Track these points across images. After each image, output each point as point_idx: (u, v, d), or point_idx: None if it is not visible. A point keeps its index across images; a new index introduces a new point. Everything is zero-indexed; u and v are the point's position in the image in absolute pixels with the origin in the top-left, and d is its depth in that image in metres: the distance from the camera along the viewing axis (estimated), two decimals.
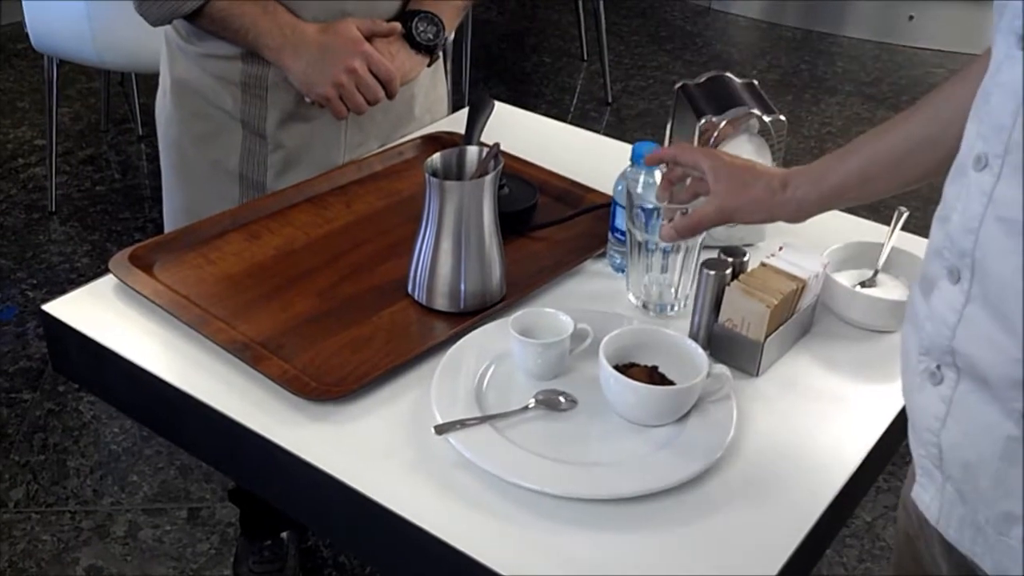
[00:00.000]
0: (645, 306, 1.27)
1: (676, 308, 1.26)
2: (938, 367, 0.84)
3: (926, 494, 0.91)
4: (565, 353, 1.15)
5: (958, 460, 0.85)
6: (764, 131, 1.34)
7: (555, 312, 1.18)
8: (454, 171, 1.25)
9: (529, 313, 1.18)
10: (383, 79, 1.49)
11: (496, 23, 4.90)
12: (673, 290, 1.25)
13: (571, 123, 1.84)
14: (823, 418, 1.15)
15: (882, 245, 1.32)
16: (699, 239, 1.22)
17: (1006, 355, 0.78)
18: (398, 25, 1.53)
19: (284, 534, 2.07)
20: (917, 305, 0.89)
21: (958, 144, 0.97)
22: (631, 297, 1.28)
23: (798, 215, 1.15)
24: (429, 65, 1.60)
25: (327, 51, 1.46)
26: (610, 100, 4.18)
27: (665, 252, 1.22)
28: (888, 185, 1.11)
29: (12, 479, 2.34)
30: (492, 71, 4.44)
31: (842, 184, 1.11)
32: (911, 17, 4.74)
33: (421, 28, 1.54)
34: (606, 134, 1.81)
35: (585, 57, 4.56)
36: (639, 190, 1.23)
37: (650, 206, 1.21)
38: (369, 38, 1.49)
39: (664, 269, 1.23)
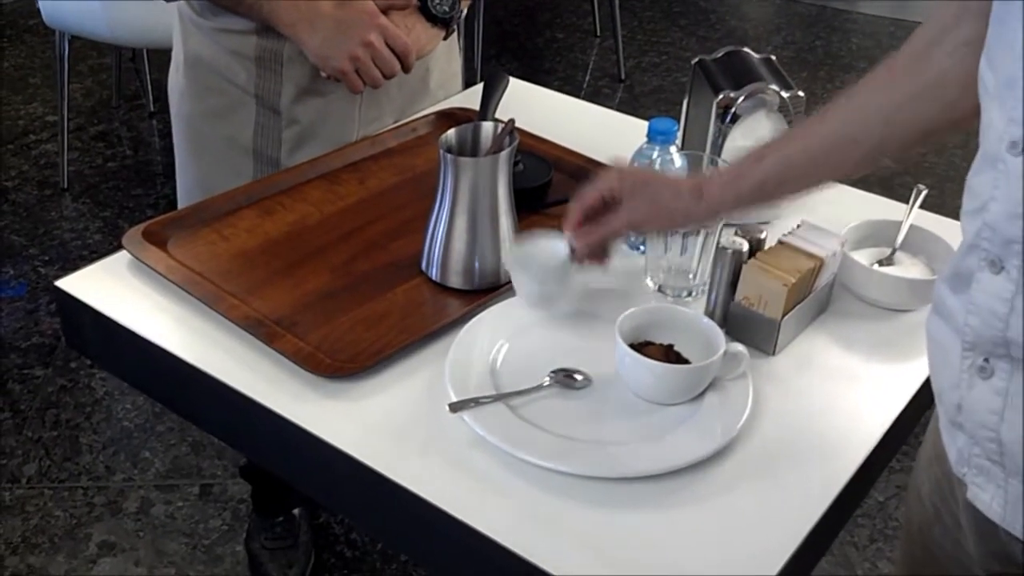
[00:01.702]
0: (662, 290, 1.26)
1: (694, 294, 1.25)
2: (987, 360, 0.83)
3: (985, 494, 0.88)
4: (565, 275, 1.15)
5: (1021, 454, 0.83)
6: (782, 107, 1.33)
7: (549, 237, 1.17)
8: (469, 147, 1.24)
9: (523, 241, 1.19)
10: (399, 52, 1.48)
11: None
12: (691, 275, 1.24)
13: (584, 99, 1.82)
14: (840, 397, 1.14)
15: (900, 223, 1.31)
16: (720, 223, 1.21)
17: None
18: None
19: (296, 510, 2.08)
20: (948, 302, 0.88)
21: (877, 143, 1.02)
22: (648, 281, 1.27)
23: (710, 218, 1.15)
24: (445, 38, 1.59)
25: (343, 24, 1.45)
26: (623, 76, 4.16)
27: (685, 234, 1.21)
28: (804, 185, 1.10)
29: (25, 455, 2.35)
30: (504, 47, 4.42)
31: (758, 187, 1.08)
32: None
33: (437, 1, 1.53)
34: (619, 110, 1.80)
35: (598, 33, 4.53)
36: (657, 167, 1.22)
37: None
38: (385, 11, 1.48)
39: (684, 250, 1.22)
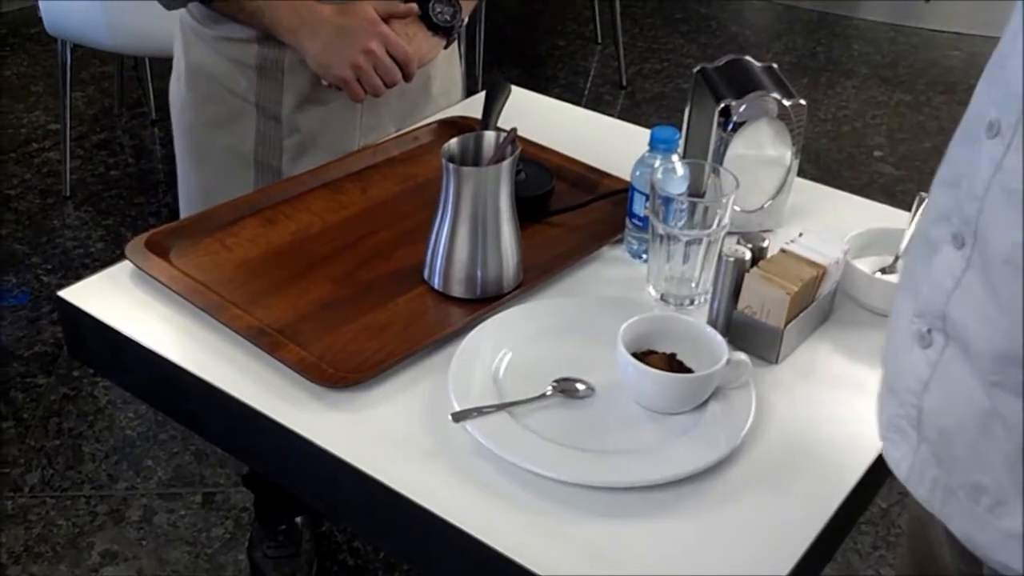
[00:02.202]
0: (664, 298, 1.26)
1: (696, 303, 1.25)
2: (928, 331, 0.84)
3: (897, 451, 0.90)
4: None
5: (936, 425, 0.85)
6: (784, 116, 1.33)
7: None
8: (471, 156, 1.24)
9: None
10: (400, 61, 1.48)
11: (509, 5, 4.88)
12: (694, 284, 1.24)
13: (585, 106, 1.83)
14: (843, 406, 1.14)
15: (902, 231, 1.31)
16: (722, 232, 1.21)
17: (993, 327, 0.77)
18: (415, 6, 1.52)
19: (299, 519, 2.08)
20: (914, 267, 0.88)
21: None
22: (651, 290, 1.27)
23: None
24: (446, 47, 1.59)
25: (344, 32, 1.45)
26: (624, 83, 4.16)
27: (688, 243, 1.21)
28: None
29: (27, 464, 2.35)
30: (505, 54, 4.42)
31: None
32: None
33: (438, 9, 1.53)
34: (620, 117, 1.80)
35: (599, 40, 4.54)
36: (659, 176, 1.22)
37: (669, 194, 1.20)
38: (386, 19, 1.48)
39: (686, 259, 1.22)
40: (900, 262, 1.30)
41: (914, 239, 0.91)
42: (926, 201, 0.88)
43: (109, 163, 3.52)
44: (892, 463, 0.92)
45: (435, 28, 1.54)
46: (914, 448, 0.88)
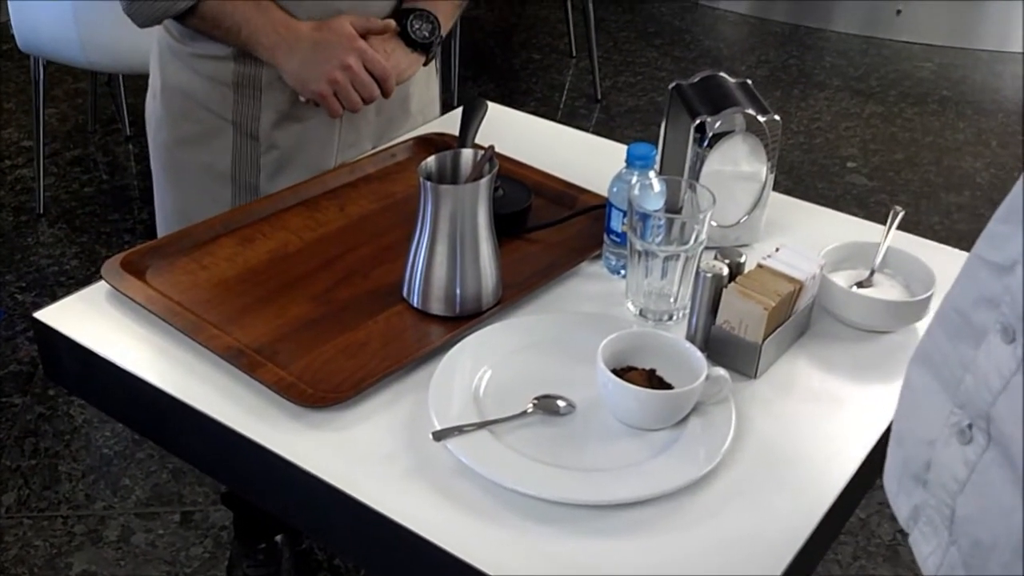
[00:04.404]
0: (643, 314, 1.26)
1: (675, 318, 1.26)
2: (969, 426, 0.76)
3: (926, 546, 0.82)
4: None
5: (970, 534, 0.77)
6: (759, 131, 1.34)
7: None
8: (448, 174, 1.24)
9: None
10: (378, 76, 1.48)
11: (484, 20, 4.89)
12: (672, 299, 1.25)
13: (560, 120, 1.83)
14: (822, 419, 1.14)
15: (878, 245, 1.32)
16: (700, 248, 1.22)
17: None
18: (392, 22, 1.52)
19: (278, 537, 2.07)
20: (943, 349, 0.79)
21: None
22: (630, 305, 1.27)
23: None
24: (425, 64, 1.59)
25: (321, 48, 1.45)
26: (599, 97, 4.18)
27: (665, 259, 1.21)
28: None
29: (3, 484, 2.33)
30: (480, 68, 4.43)
31: None
32: (899, 11, 4.74)
33: (416, 26, 1.54)
34: (596, 131, 1.81)
35: (574, 53, 4.55)
36: (636, 193, 1.23)
37: (646, 210, 1.21)
38: (364, 35, 1.48)
39: (664, 274, 1.23)
40: (876, 276, 1.31)
41: (945, 312, 0.80)
42: (959, 274, 0.79)
43: (83, 180, 3.50)
44: (919, 556, 0.84)
45: (414, 45, 1.54)
46: (944, 548, 0.81)
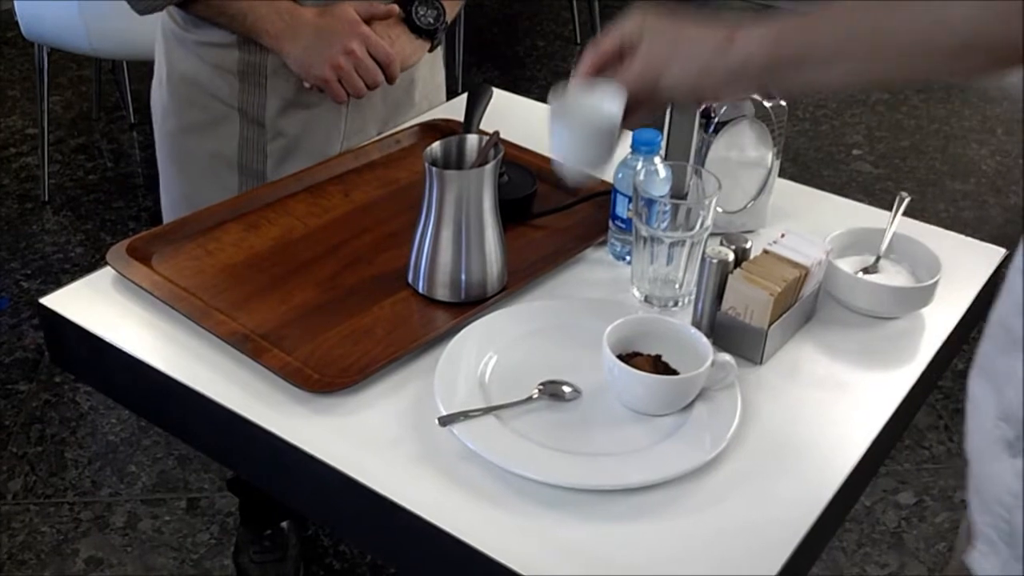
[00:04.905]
0: (648, 300, 1.26)
1: (680, 304, 1.26)
2: (1016, 438, 0.75)
3: (987, 563, 0.80)
4: (615, 135, 1.03)
5: None
6: (764, 117, 1.33)
7: (598, 85, 1.03)
8: (454, 160, 1.24)
9: (568, 91, 1.07)
10: (382, 62, 1.47)
11: (488, 6, 4.88)
12: (677, 285, 1.25)
13: None
14: (827, 406, 1.14)
15: (883, 231, 1.31)
16: (705, 234, 1.21)
17: None
18: (396, 8, 1.52)
19: (284, 523, 2.07)
20: (996, 362, 0.78)
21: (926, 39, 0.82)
22: (635, 291, 1.27)
23: (736, 80, 0.95)
24: (430, 51, 1.59)
25: (325, 33, 1.45)
26: None
27: (671, 244, 1.21)
28: (872, 74, 0.91)
29: (10, 471, 2.34)
30: (485, 55, 4.42)
31: (806, 51, 0.91)
32: None
33: (421, 12, 1.53)
34: None
35: (579, 40, 4.54)
36: (641, 178, 1.23)
37: (652, 196, 1.21)
38: (368, 21, 1.48)
39: (669, 260, 1.22)
40: (881, 262, 1.30)
41: (992, 326, 0.79)
42: (1000, 288, 0.78)
43: (88, 167, 3.50)
44: (978, 571, 0.82)
45: (418, 31, 1.54)
46: (1005, 563, 0.79)
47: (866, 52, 0.88)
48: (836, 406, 1.14)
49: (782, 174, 1.41)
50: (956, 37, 0.82)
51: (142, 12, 1.50)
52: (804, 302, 1.21)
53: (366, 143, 1.57)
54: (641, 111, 1.00)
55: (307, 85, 1.50)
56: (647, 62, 0.96)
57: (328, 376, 1.12)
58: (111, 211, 3.28)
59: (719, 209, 1.30)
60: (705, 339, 1.11)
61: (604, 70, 0.98)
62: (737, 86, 0.96)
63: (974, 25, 0.79)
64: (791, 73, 0.94)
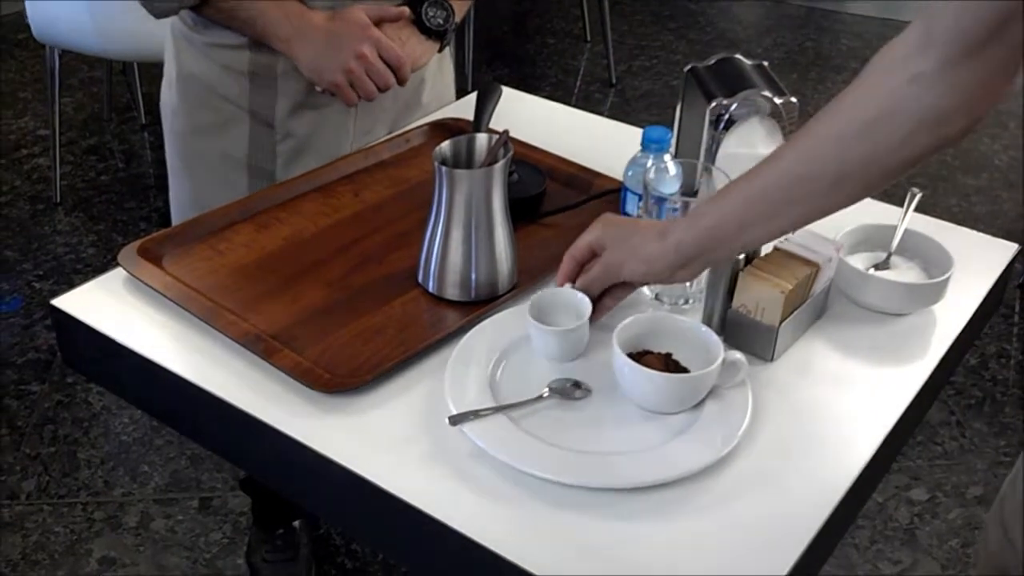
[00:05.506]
0: (658, 298, 1.26)
1: (691, 302, 1.25)
2: None
3: None
4: (584, 336, 1.15)
5: None
6: (775, 113, 1.33)
7: (571, 292, 1.16)
8: (463, 159, 1.24)
9: (544, 295, 1.17)
10: (393, 64, 1.47)
11: (498, 5, 4.88)
12: (688, 283, 1.24)
13: (575, 105, 1.83)
14: (839, 403, 1.14)
15: (895, 227, 1.31)
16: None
17: None
18: (407, 10, 1.52)
19: (296, 523, 2.08)
20: None
21: (834, 179, 0.99)
22: (645, 289, 1.27)
23: (677, 262, 1.08)
24: (439, 51, 1.59)
25: (335, 38, 1.45)
26: (614, 81, 4.16)
27: None
28: (771, 227, 1.06)
29: (23, 471, 2.35)
30: (495, 53, 4.42)
31: (717, 226, 1.06)
32: None
33: (431, 13, 1.53)
34: (610, 115, 1.80)
35: (588, 38, 4.54)
36: (651, 176, 1.22)
37: (662, 194, 1.21)
38: (378, 23, 1.48)
39: None
40: (893, 258, 1.30)
41: None
42: None
43: (99, 168, 3.51)
44: None
45: (428, 32, 1.54)
46: None
47: (763, 213, 1.05)
48: (848, 403, 1.14)
49: None
50: (826, 175, 1.01)
51: (159, 15, 1.50)
52: (815, 299, 1.21)
53: (376, 143, 1.57)
54: (616, 292, 1.17)
55: (319, 89, 1.51)
56: (607, 265, 1.13)
57: (339, 376, 1.12)
58: (123, 212, 3.29)
59: None
60: (716, 337, 1.10)
61: (580, 270, 1.17)
62: (683, 270, 1.10)
63: (835, 159, 0.98)
64: (717, 246, 1.08)
